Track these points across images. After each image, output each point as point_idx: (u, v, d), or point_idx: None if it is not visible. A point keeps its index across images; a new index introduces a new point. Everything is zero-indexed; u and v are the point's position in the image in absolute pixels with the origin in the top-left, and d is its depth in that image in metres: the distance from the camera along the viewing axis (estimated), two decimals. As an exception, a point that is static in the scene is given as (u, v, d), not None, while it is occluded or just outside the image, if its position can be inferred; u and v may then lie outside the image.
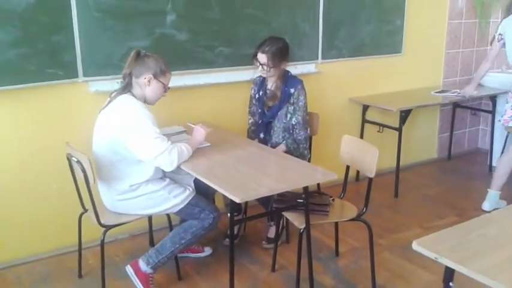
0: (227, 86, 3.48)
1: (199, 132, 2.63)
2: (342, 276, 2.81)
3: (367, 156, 2.51)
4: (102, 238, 2.44)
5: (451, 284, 1.57)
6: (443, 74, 4.77)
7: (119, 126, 2.37)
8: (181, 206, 2.54)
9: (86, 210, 2.59)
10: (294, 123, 3.05)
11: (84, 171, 2.35)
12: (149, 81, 2.46)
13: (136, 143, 2.36)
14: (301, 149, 3.07)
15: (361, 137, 4.20)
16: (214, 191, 2.60)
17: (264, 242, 3.13)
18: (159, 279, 2.71)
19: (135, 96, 2.46)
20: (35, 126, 2.89)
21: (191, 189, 2.60)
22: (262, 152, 2.68)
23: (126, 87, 2.47)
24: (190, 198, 2.56)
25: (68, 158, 2.50)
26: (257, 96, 3.19)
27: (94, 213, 2.44)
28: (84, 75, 2.92)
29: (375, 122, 4.15)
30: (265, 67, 2.97)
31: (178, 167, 2.44)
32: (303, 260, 2.50)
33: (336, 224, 2.93)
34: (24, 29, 2.68)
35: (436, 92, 4.33)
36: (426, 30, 4.51)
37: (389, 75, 4.39)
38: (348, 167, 2.77)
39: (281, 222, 3.05)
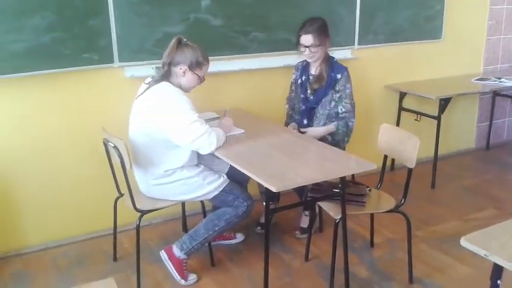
0: (261, 72, 3.43)
1: (229, 126, 2.65)
2: (377, 268, 2.75)
3: (407, 145, 2.43)
4: (137, 223, 2.45)
5: (499, 282, 1.51)
6: (483, 61, 4.60)
7: (157, 113, 2.37)
8: (215, 193, 2.53)
9: (121, 195, 2.61)
10: (341, 111, 2.99)
11: (120, 156, 2.35)
12: (184, 72, 2.45)
13: (175, 128, 2.35)
14: (348, 134, 3.02)
15: (398, 124, 4.10)
16: (248, 178, 2.59)
17: (297, 232, 3.10)
18: (192, 265, 2.71)
19: (173, 84, 2.45)
20: (71, 111, 2.91)
21: (225, 177, 2.59)
22: (298, 140, 2.63)
23: (165, 76, 2.46)
24: (225, 185, 2.54)
25: (104, 143, 2.51)
26: (300, 81, 3.11)
27: (130, 198, 2.45)
28: (120, 60, 2.92)
29: (412, 110, 4.04)
30: (312, 48, 2.91)
31: (213, 154, 2.42)
32: (337, 251, 2.45)
33: (372, 214, 2.86)
34: (60, 13, 2.69)
35: (476, 80, 4.18)
36: (466, 16, 4.34)
37: (428, 62, 4.25)
38: (385, 157, 2.69)
39: (314, 209, 3.00)
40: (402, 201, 2.50)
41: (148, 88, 2.45)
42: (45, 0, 2.64)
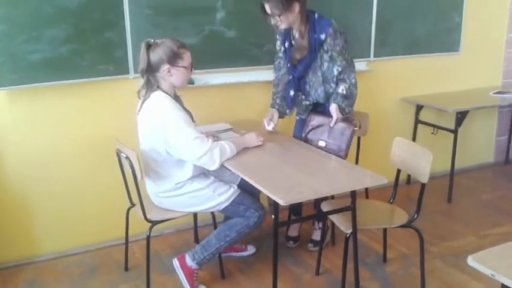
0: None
1: (252, 139, 2.61)
2: (390, 283, 2.71)
3: (420, 160, 2.40)
4: (148, 233, 2.47)
5: (508, 302, 1.46)
6: (502, 74, 4.52)
7: (156, 130, 2.38)
8: (226, 204, 2.53)
9: (133, 205, 2.63)
10: (337, 72, 2.71)
11: (132, 167, 2.38)
12: (169, 70, 2.37)
13: (176, 146, 2.36)
14: (354, 97, 2.77)
15: (414, 138, 4.05)
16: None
17: (309, 244, 3.07)
18: (202, 277, 2.71)
19: (164, 91, 2.41)
20: (86, 121, 2.95)
21: (236, 187, 2.58)
22: (309, 153, 2.62)
23: (153, 85, 2.41)
24: (235, 196, 2.54)
25: (117, 154, 2.54)
26: (283, 48, 2.87)
27: (141, 208, 2.47)
28: (135, 71, 2.95)
29: (428, 123, 3.99)
30: (274, 17, 2.66)
31: (223, 166, 2.43)
32: (348, 265, 2.42)
33: (385, 229, 2.82)
34: (77, 25, 2.75)
35: (495, 93, 4.11)
36: (485, 28, 4.28)
37: (445, 75, 4.20)
38: (398, 171, 2.66)
39: (326, 223, 2.98)
40: (415, 217, 2.46)
41: (143, 102, 2.44)
42: (63, 12, 2.70)
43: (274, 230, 2.23)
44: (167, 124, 2.34)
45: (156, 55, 2.35)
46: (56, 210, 2.97)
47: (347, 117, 2.77)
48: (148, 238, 2.47)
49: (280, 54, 2.95)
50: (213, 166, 2.39)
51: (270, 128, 2.87)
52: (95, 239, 3.10)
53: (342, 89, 2.73)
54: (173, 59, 2.36)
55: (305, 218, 2.93)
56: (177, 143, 2.35)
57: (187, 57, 2.42)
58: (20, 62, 2.64)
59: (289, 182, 2.19)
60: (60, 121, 2.89)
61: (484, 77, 4.42)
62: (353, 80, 2.75)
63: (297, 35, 2.78)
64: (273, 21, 2.71)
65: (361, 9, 3.60)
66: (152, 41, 2.39)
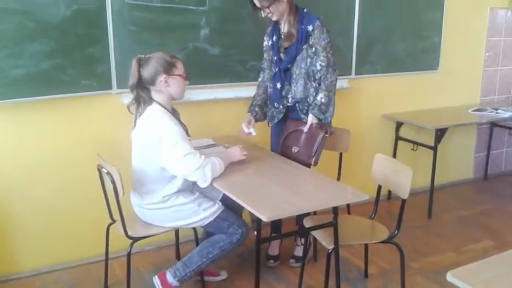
0: (258, 100, 3.45)
1: (235, 154, 2.61)
2: (371, 299, 2.72)
3: (401, 176, 2.43)
4: (128, 250, 2.44)
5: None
6: (480, 92, 4.63)
7: (151, 145, 2.38)
8: (210, 219, 2.52)
9: (114, 221, 2.60)
10: (318, 68, 2.76)
11: (113, 182, 2.36)
12: (166, 81, 2.39)
13: (169, 161, 2.37)
14: (332, 102, 2.82)
15: (394, 154, 4.11)
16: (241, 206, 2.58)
17: (291, 260, 3.07)
18: (183, 294, 2.69)
19: (161, 105, 2.43)
20: (67, 136, 2.93)
21: (220, 203, 2.58)
22: (292, 169, 2.63)
23: (145, 99, 2.43)
24: (220, 212, 2.53)
25: (98, 169, 2.52)
26: (270, 43, 2.92)
27: (122, 224, 2.44)
28: (118, 87, 2.95)
29: (408, 140, 4.05)
30: (265, 9, 2.71)
31: None
32: (330, 281, 2.43)
33: (366, 244, 2.84)
34: (60, 40, 2.74)
35: (473, 111, 4.20)
36: (464, 48, 4.39)
37: (425, 92, 4.29)
38: (379, 187, 2.69)
39: (308, 239, 2.98)
40: (395, 232, 2.49)
41: (136, 118, 2.46)
42: (46, 27, 2.69)
43: (256, 246, 2.23)
44: (163, 139, 2.34)
45: (150, 68, 2.38)
46: (34, 225, 2.93)
47: (321, 123, 2.81)
48: (129, 255, 2.45)
49: (265, 56, 3.01)
50: (205, 183, 2.38)
51: (251, 131, 2.85)
52: (74, 255, 3.06)
53: (320, 97, 2.78)
54: (168, 68, 2.39)
55: (287, 234, 2.93)
56: (171, 158, 2.35)
57: (180, 66, 2.45)
58: (1, 77, 2.62)
59: (272, 198, 2.20)
60: (41, 136, 2.86)
61: (463, 95, 4.52)
62: (327, 83, 2.77)
63: (286, 25, 2.83)
64: (263, 14, 2.75)
65: (343, 28, 3.67)
66: (143, 56, 2.42)
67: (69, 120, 2.92)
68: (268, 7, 2.70)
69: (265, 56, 3.03)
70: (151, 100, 2.44)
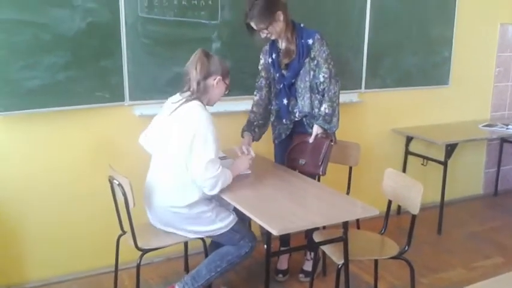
0: (268, 113, 3.47)
1: (243, 163, 2.62)
2: (380, 315, 2.70)
3: (411, 191, 2.43)
4: (138, 262, 2.45)
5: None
6: (491, 107, 4.62)
7: (184, 139, 2.34)
8: (225, 230, 2.50)
9: (124, 233, 2.61)
10: (322, 80, 2.79)
11: (124, 194, 2.37)
12: (217, 82, 2.45)
13: (194, 158, 2.34)
14: (336, 114, 2.83)
15: (404, 169, 4.10)
16: (249, 219, 2.59)
17: (300, 275, 3.06)
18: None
19: (202, 103, 2.43)
20: (80, 147, 2.96)
21: (234, 214, 2.56)
22: (302, 183, 2.64)
23: (196, 92, 2.42)
24: (234, 223, 2.52)
25: (109, 181, 2.54)
26: (270, 60, 2.92)
27: (132, 236, 2.45)
28: (130, 99, 2.99)
29: (418, 155, 4.04)
30: (264, 30, 2.73)
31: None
32: (340, 297, 2.42)
33: (376, 260, 2.83)
34: (75, 52, 2.78)
35: (484, 126, 4.19)
36: (474, 63, 4.39)
37: (435, 107, 4.28)
38: (390, 202, 2.69)
39: (318, 253, 2.98)
40: (406, 248, 2.48)
41: (179, 106, 2.41)
42: (61, 39, 2.73)
43: (266, 260, 2.23)
44: (198, 135, 2.33)
45: (214, 64, 2.44)
46: (44, 236, 2.95)
47: (326, 133, 2.82)
48: (138, 267, 2.45)
49: (263, 74, 3.00)
50: (212, 192, 2.39)
51: (252, 154, 2.81)
52: (84, 266, 3.07)
53: (324, 107, 2.80)
54: (225, 73, 2.49)
55: (297, 248, 2.93)
56: (197, 156, 2.33)
57: (229, 79, 2.54)
58: (17, 88, 2.66)
59: (281, 211, 2.20)
60: (53, 147, 2.90)
61: (473, 110, 4.51)
62: (330, 94, 2.79)
63: (284, 42, 2.84)
64: (262, 36, 2.77)
65: (353, 43, 3.69)
66: (207, 51, 2.47)
67: (82, 132, 2.96)
68: (266, 28, 2.72)
69: (262, 74, 3.01)
70: (197, 96, 2.42)
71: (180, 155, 2.38)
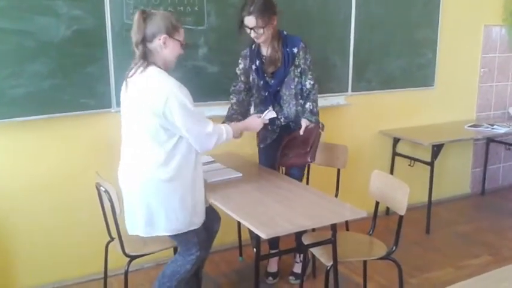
0: (256, 117, 3.48)
1: (256, 121, 2.57)
2: (370, 316, 2.72)
3: (398, 193, 2.45)
4: (126, 268, 2.45)
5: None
6: (476, 107, 4.68)
7: (155, 107, 2.14)
8: (194, 227, 2.33)
9: (112, 239, 2.61)
10: (308, 87, 2.83)
11: (111, 201, 2.37)
12: (165, 41, 2.21)
13: (179, 123, 2.17)
14: (317, 113, 2.87)
15: (391, 170, 4.13)
16: (218, 228, 2.60)
17: (290, 277, 3.07)
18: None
19: (159, 67, 2.23)
20: (66, 155, 2.95)
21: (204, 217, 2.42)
22: (289, 185, 2.65)
23: (146, 58, 2.21)
24: (200, 225, 2.39)
25: (96, 188, 2.53)
26: (254, 67, 2.89)
27: (119, 242, 2.45)
28: (118, 105, 2.96)
29: (405, 156, 4.08)
30: (257, 30, 2.70)
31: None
32: (329, 298, 2.43)
33: (364, 261, 2.84)
34: (60, 60, 2.78)
35: (470, 126, 4.24)
36: (459, 64, 4.45)
37: (421, 108, 4.33)
38: (377, 203, 2.71)
39: (307, 255, 2.99)
40: (393, 249, 2.50)
41: (128, 77, 2.25)
42: (46, 47, 2.73)
43: (255, 263, 2.24)
44: (171, 98, 2.14)
45: (154, 25, 2.19)
46: (33, 243, 2.93)
47: (314, 124, 2.84)
48: (126, 273, 2.44)
49: (242, 78, 2.97)
50: (204, 150, 2.32)
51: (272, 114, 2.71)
52: (73, 273, 3.06)
53: (308, 104, 2.84)
54: (171, 30, 2.22)
55: (286, 251, 2.93)
56: (185, 131, 2.18)
57: (182, 33, 2.29)
58: (1, 97, 2.65)
59: (270, 215, 2.21)
60: (39, 155, 2.89)
61: (459, 111, 4.56)
62: (316, 94, 2.87)
63: (269, 50, 2.85)
64: (253, 34, 2.75)
65: (339, 47, 3.72)
66: (147, 10, 2.25)
67: (68, 139, 2.95)
68: (263, 27, 2.71)
69: (242, 78, 2.96)
70: (150, 61, 2.23)
71: (154, 125, 2.18)
